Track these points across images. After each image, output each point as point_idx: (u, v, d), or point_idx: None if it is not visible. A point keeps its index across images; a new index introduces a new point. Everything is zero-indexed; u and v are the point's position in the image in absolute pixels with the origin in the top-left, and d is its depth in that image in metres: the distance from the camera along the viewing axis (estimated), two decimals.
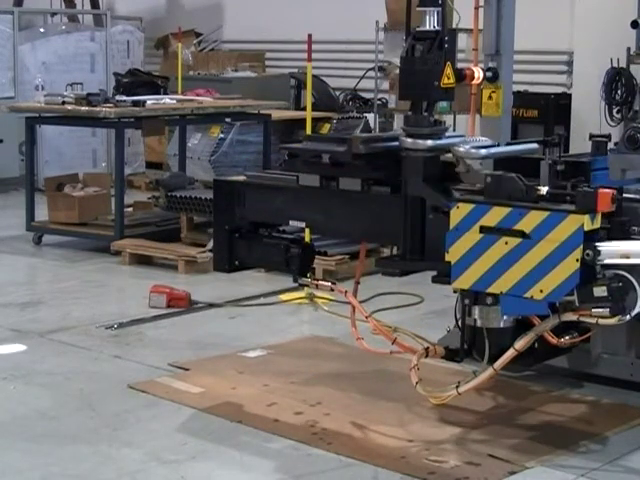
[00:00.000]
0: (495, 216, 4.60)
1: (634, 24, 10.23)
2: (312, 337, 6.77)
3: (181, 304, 7.38)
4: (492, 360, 4.90)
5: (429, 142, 4.90)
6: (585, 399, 5.59)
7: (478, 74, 5.59)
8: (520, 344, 4.79)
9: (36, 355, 6.34)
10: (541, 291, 4.49)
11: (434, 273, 4.98)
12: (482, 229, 4.63)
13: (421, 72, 5.02)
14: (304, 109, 9.51)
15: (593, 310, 4.47)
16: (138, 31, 14.27)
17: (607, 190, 4.50)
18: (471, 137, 5.30)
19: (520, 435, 5.07)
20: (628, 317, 4.50)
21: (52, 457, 4.78)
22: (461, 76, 5.41)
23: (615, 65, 10.49)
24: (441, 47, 5.08)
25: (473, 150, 4.91)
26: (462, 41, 9.60)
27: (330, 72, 13.07)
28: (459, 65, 5.49)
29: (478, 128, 6.99)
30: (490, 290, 4.63)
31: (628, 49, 10.46)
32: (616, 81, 10.54)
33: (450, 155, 5.05)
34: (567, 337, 5.01)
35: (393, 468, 4.69)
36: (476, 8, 7.07)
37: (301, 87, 12.67)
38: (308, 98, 8.36)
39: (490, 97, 6.56)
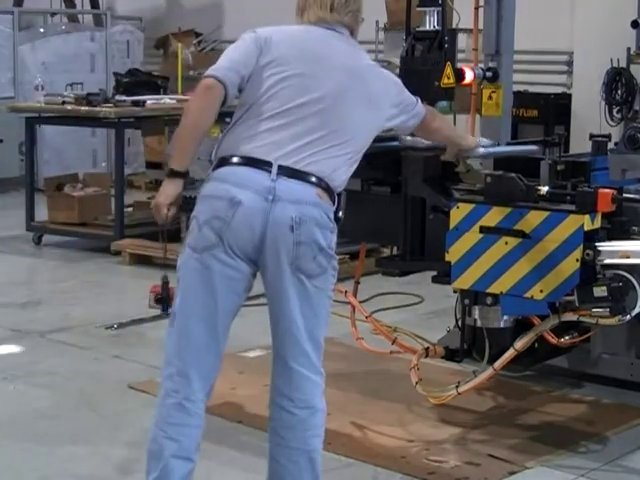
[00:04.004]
0: (495, 216, 4.60)
1: (634, 24, 10.22)
2: None
3: None
4: (492, 360, 4.90)
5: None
6: (585, 399, 5.59)
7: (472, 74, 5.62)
8: (520, 344, 4.79)
9: (36, 355, 6.34)
10: (541, 291, 4.49)
11: (434, 273, 4.99)
12: (482, 229, 4.63)
13: (421, 72, 5.03)
14: None
15: (593, 310, 4.47)
16: (138, 31, 14.27)
17: (607, 190, 4.50)
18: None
19: (520, 435, 5.07)
20: (628, 317, 4.50)
21: (52, 457, 4.79)
22: (461, 76, 5.42)
23: (615, 65, 10.48)
24: (441, 47, 5.09)
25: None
26: (462, 41, 9.59)
27: None
28: (459, 65, 5.50)
29: (478, 128, 6.99)
30: (490, 290, 4.63)
31: (628, 49, 10.45)
32: (616, 81, 10.53)
33: None
34: (567, 337, 5.01)
35: (393, 468, 4.69)
36: (476, 8, 7.05)
37: None
38: None
39: (490, 97, 6.55)
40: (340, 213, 3.84)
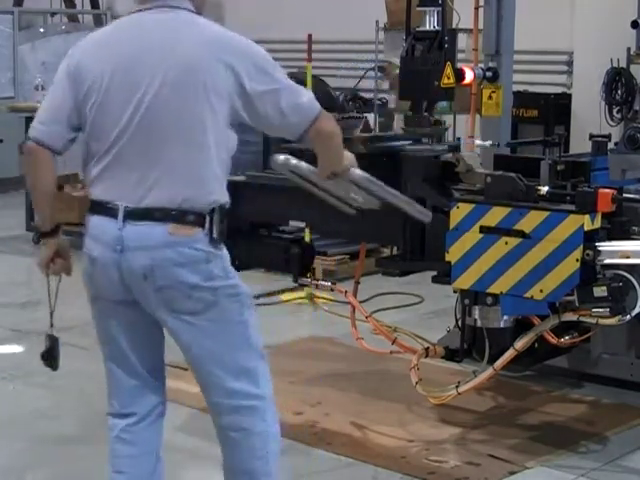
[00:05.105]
0: (495, 216, 4.60)
1: (634, 24, 10.22)
2: (312, 337, 6.77)
3: None
4: (492, 360, 4.90)
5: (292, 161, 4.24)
6: (585, 399, 5.60)
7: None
8: (520, 344, 4.79)
9: (36, 355, 6.32)
10: (541, 291, 4.49)
11: (434, 273, 4.98)
12: (482, 229, 4.63)
13: (421, 72, 5.03)
14: None
15: (593, 310, 4.47)
16: None
17: (607, 190, 4.50)
18: None
19: (520, 435, 5.07)
20: (628, 317, 4.50)
21: (52, 457, 4.78)
22: (461, 76, 5.42)
23: (615, 65, 10.48)
24: (441, 47, 5.09)
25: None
26: (462, 41, 9.61)
27: (330, 72, 13.06)
28: (459, 65, 5.50)
29: (478, 128, 7.00)
30: (490, 290, 4.63)
31: (628, 49, 10.45)
32: (616, 81, 10.53)
33: (450, 155, 5.06)
34: (567, 337, 5.01)
35: (393, 468, 4.69)
36: (476, 8, 7.07)
37: None
38: None
39: (490, 97, 6.57)
40: (214, 234, 3.37)
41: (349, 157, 3.75)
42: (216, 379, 3.53)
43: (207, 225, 3.34)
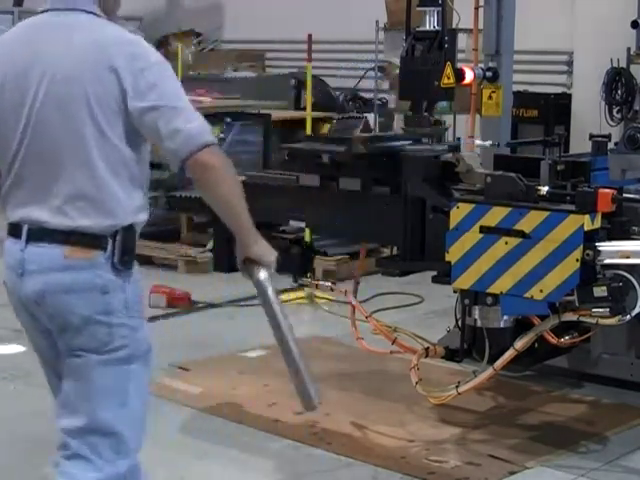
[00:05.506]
0: (495, 216, 4.60)
1: (634, 24, 10.22)
2: (312, 337, 6.77)
3: (181, 304, 7.38)
4: (492, 360, 4.90)
5: None
6: (585, 399, 5.60)
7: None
8: (520, 344, 4.79)
9: (36, 355, 6.33)
10: (541, 291, 4.49)
11: (434, 273, 4.99)
12: (482, 229, 4.63)
13: (421, 72, 5.03)
14: (304, 109, 9.50)
15: (593, 310, 4.47)
16: (138, 31, 14.27)
17: (607, 190, 4.50)
18: None
19: (520, 435, 5.07)
20: (628, 317, 4.50)
21: (52, 457, 4.78)
22: (461, 76, 5.42)
23: (615, 65, 10.47)
24: (441, 47, 5.09)
25: None
26: (462, 41, 9.61)
27: (330, 72, 13.07)
28: (459, 65, 5.51)
29: (478, 128, 6.99)
30: (490, 290, 4.63)
31: (628, 49, 10.45)
32: (616, 81, 10.52)
33: (450, 155, 5.06)
34: (567, 337, 5.01)
35: (393, 468, 4.69)
36: (476, 8, 7.07)
37: (301, 87, 12.65)
38: (308, 98, 8.36)
39: (490, 97, 6.57)
40: (115, 259, 3.03)
41: (269, 252, 3.21)
42: (71, 422, 3.17)
43: (109, 248, 3.03)
